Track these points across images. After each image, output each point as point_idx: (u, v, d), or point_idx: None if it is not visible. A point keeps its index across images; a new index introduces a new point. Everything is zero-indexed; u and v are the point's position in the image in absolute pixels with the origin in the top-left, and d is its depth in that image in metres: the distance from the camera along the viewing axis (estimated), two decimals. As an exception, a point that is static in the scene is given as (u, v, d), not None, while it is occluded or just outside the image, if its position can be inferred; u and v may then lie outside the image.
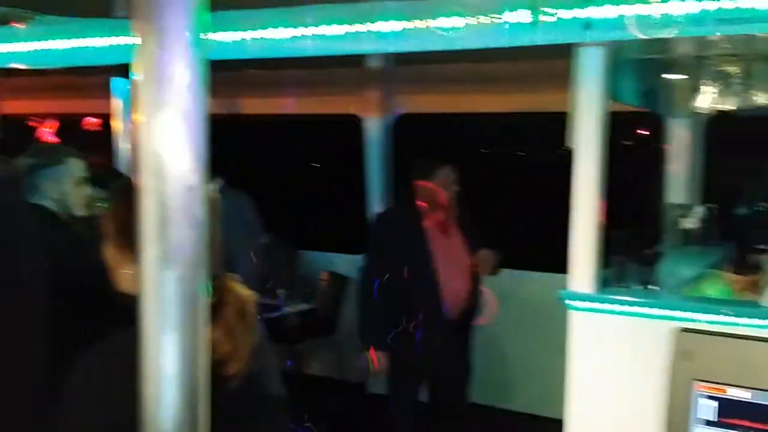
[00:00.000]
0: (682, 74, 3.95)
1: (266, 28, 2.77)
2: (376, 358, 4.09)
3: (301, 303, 6.16)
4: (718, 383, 0.67)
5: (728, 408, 0.72)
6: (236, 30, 2.78)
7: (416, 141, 6.17)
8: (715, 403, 0.71)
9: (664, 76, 4.12)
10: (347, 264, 6.03)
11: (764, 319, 2.67)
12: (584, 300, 3.08)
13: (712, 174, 5.01)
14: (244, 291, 1.69)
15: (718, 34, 2.80)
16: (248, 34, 2.85)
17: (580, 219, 3.10)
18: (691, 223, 4.60)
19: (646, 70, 3.99)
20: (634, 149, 7.22)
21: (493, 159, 8.87)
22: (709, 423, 0.75)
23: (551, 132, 3.40)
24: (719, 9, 2.66)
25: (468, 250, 4.23)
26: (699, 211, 4.65)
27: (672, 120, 4.54)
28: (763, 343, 0.60)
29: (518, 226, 4.21)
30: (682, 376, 0.72)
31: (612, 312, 3.08)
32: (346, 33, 2.67)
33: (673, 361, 0.67)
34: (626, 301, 3.05)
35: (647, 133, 6.63)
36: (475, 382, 4.63)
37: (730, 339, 0.68)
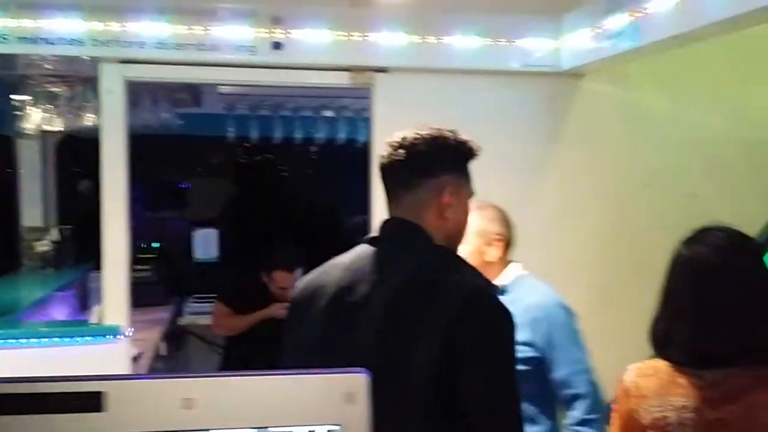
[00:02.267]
0: (25, 95, 3.85)
1: None
2: None
3: None
4: None
5: None
6: None
7: None
8: None
9: (11, 96, 3.96)
10: None
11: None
12: None
13: (70, 194, 4.98)
14: None
15: (24, 52, 2.78)
16: None
17: None
18: (44, 245, 4.53)
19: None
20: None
21: None
22: None
23: None
24: (20, 27, 2.65)
25: None
26: (53, 233, 4.61)
27: (22, 141, 4.39)
28: None
29: None
30: None
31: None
32: None
33: None
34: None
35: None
36: None
37: None
